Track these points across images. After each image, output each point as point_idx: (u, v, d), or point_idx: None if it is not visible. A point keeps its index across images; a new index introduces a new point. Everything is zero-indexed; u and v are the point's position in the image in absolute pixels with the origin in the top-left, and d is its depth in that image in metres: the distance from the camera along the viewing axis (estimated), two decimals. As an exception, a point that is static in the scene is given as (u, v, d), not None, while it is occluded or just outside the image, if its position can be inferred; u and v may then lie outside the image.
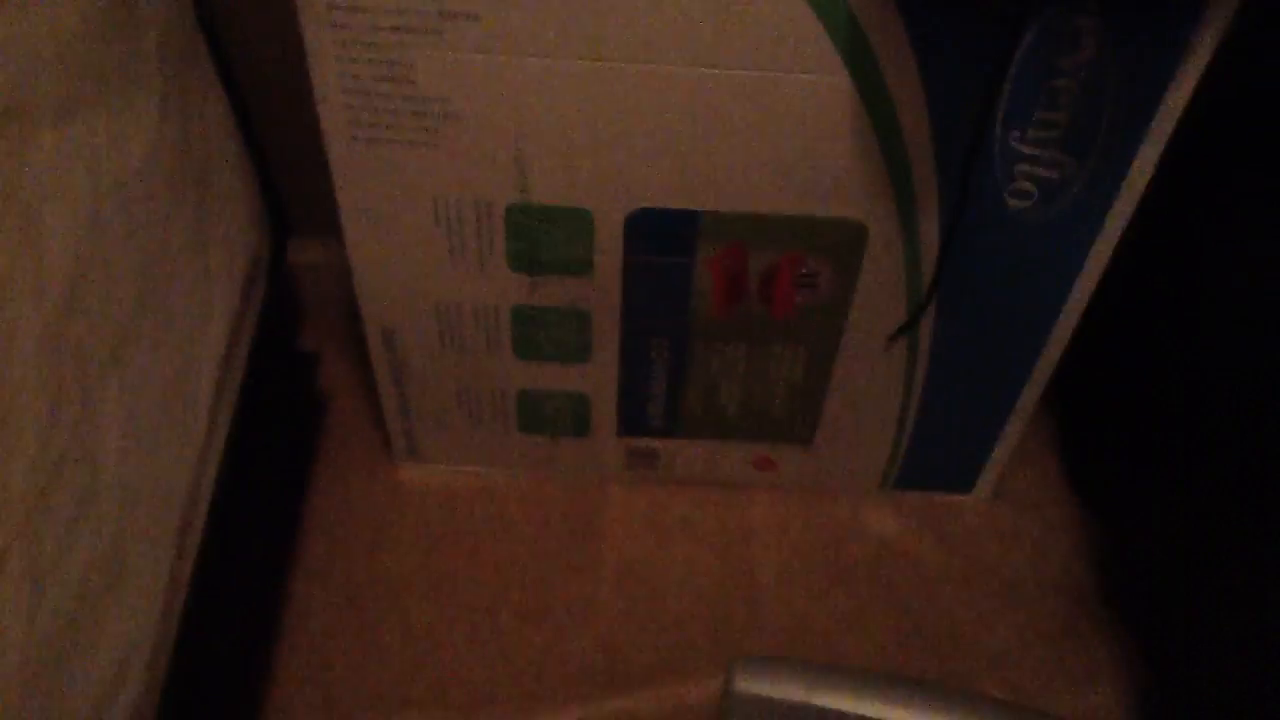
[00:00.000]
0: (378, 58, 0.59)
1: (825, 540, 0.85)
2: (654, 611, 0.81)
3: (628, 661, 0.79)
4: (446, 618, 0.80)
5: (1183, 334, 0.74)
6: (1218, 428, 0.69)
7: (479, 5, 0.56)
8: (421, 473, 0.88)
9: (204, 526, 0.68)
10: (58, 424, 0.52)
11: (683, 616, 0.81)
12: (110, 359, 0.57)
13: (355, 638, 0.79)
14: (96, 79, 0.55)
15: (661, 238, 0.67)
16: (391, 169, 0.64)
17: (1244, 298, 0.67)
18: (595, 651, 0.79)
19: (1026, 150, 0.62)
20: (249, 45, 0.77)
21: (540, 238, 0.68)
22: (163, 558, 0.63)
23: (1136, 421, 0.80)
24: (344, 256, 0.71)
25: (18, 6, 0.48)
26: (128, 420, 0.59)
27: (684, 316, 0.72)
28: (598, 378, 0.78)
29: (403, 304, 0.73)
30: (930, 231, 0.66)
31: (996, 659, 0.80)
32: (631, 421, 0.81)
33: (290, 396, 0.86)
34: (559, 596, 0.81)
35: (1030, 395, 0.78)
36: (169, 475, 0.64)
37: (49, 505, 0.51)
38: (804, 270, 0.69)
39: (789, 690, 0.67)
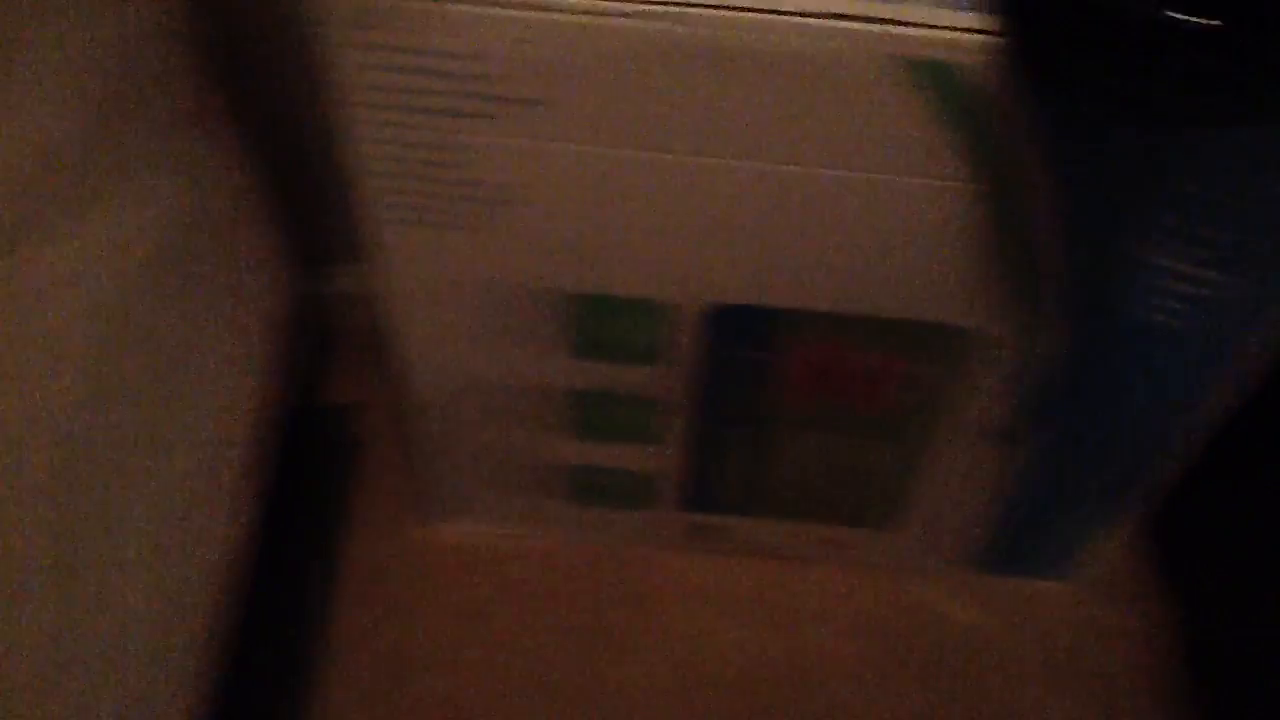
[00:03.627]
0: (424, 140, 0.51)
1: (901, 628, 0.78)
2: (709, 701, 0.74)
3: (680, 759, 0.73)
4: (492, 696, 0.74)
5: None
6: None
7: (545, 90, 0.48)
8: (459, 533, 0.80)
9: (233, 609, 0.63)
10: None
11: (739, 708, 0.74)
12: (128, 476, 0.51)
13: (399, 716, 0.73)
14: (103, 174, 0.48)
15: (742, 334, 0.59)
16: (439, 252, 0.57)
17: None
18: (646, 747, 0.73)
19: (1176, 266, 0.53)
20: (268, 71, 0.70)
21: (605, 327, 0.60)
22: (191, 667, 0.57)
23: (1247, 516, 0.72)
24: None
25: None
26: (152, 545, 0.53)
27: (764, 408, 0.65)
28: (665, 459, 0.70)
29: (448, 383, 0.65)
30: (1051, 342, 0.58)
31: (1084, 773, 0.73)
32: (699, 500, 0.74)
33: (320, 446, 0.79)
34: (608, 679, 0.75)
35: (1143, 495, 0.70)
36: (196, 581, 0.58)
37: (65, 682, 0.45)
38: (901, 373, 0.61)
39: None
